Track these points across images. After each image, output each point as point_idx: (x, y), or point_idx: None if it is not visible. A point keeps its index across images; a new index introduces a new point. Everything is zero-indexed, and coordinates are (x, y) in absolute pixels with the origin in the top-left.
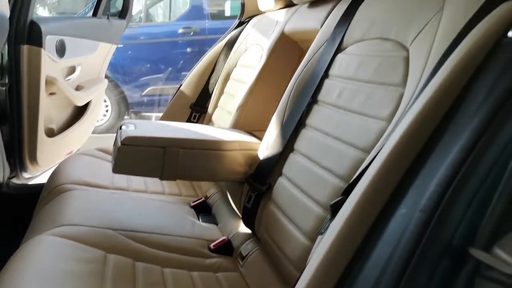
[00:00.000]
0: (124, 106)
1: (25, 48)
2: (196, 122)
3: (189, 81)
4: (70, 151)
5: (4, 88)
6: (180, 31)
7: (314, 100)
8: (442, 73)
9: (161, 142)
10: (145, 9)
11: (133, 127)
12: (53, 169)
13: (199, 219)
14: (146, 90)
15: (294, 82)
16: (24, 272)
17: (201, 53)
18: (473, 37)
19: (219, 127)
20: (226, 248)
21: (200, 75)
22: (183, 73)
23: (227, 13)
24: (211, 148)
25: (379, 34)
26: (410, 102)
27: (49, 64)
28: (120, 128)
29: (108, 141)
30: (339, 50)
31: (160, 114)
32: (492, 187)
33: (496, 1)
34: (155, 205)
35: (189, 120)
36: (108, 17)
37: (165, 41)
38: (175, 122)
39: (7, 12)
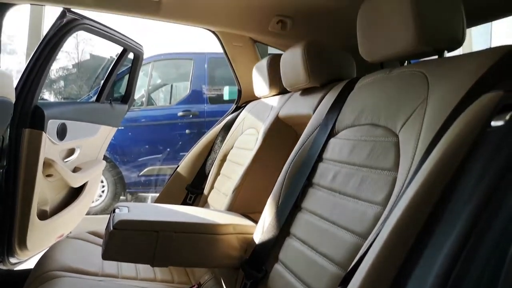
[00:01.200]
0: (121, 187)
1: (26, 131)
2: (192, 204)
3: (186, 163)
4: (61, 234)
5: (1, 170)
6: (180, 114)
7: (309, 183)
8: (431, 160)
9: (155, 226)
10: (147, 93)
11: (127, 210)
12: (41, 253)
13: None
14: (144, 170)
15: (289, 165)
16: None
17: (200, 134)
18: (458, 126)
19: (214, 209)
20: None
21: (197, 157)
22: (181, 153)
23: (226, 97)
24: (205, 231)
25: (370, 121)
26: (404, 186)
27: (49, 147)
28: (114, 212)
29: (102, 223)
30: (331, 134)
31: (157, 195)
32: (494, 276)
33: (476, 92)
34: None
35: (184, 202)
36: (110, 102)
37: (164, 123)
38: (169, 205)
39: (12, 98)
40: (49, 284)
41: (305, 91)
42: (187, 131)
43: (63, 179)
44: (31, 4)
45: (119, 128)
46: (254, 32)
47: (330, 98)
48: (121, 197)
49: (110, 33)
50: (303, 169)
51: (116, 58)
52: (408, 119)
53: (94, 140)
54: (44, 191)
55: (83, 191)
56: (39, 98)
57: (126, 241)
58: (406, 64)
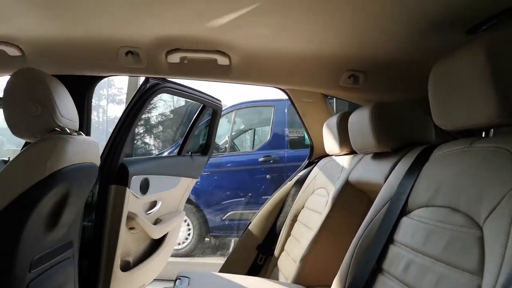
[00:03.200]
0: (205, 230)
1: (113, 188)
2: (262, 265)
3: (257, 221)
4: (143, 284)
5: (90, 224)
6: (261, 159)
7: (378, 267)
8: None
9: None
10: (230, 140)
11: (187, 283)
12: None
13: None
14: (227, 215)
15: (356, 242)
16: None
17: (280, 179)
18: None
19: (279, 283)
20: None
21: (268, 215)
22: (263, 197)
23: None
24: None
25: (447, 203)
26: None
27: (132, 201)
28: (175, 282)
29: (185, 267)
30: (404, 212)
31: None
32: None
33: None
34: None
35: (255, 262)
36: (191, 155)
37: (246, 168)
38: (232, 276)
39: (97, 162)
40: None
41: (377, 155)
42: (268, 176)
43: (144, 231)
44: (115, 75)
45: (204, 173)
46: (324, 88)
47: (402, 167)
48: (206, 239)
49: (190, 92)
50: (372, 250)
51: (196, 113)
52: (494, 209)
53: (174, 191)
54: (127, 243)
55: (163, 242)
56: (124, 155)
57: None
58: (491, 133)
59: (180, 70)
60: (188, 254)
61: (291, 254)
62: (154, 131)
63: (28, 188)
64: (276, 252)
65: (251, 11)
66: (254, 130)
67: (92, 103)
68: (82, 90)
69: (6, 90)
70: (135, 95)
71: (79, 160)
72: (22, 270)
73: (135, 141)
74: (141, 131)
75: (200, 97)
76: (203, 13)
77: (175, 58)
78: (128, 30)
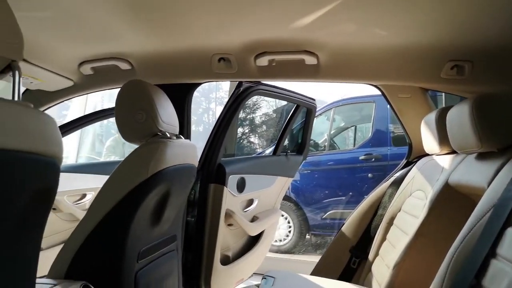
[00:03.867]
0: (306, 228)
1: (212, 186)
2: (356, 269)
3: (350, 222)
4: (241, 278)
5: (193, 219)
6: (362, 157)
7: (477, 283)
8: None
9: None
10: (329, 138)
11: (271, 283)
12: None
13: None
14: (327, 213)
15: (453, 252)
16: None
17: (382, 178)
18: None
19: None
20: None
21: (362, 217)
22: (364, 196)
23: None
24: None
25: None
26: None
27: (229, 199)
28: (262, 280)
29: (285, 264)
30: (509, 222)
31: None
32: None
33: None
34: None
35: (348, 265)
36: (286, 154)
37: (347, 167)
38: (317, 279)
39: (196, 163)
40: None
41: (481, 155)
42: (369, 175)
43: (242, 228)
44: (211, 81)
45: (303, 172)
46: (423, 82)
47: (510, 169)
48: (307, 237)
49: (283, 93)
50: (470, 262)
51: (290, 113)
52: None
53: (270, 190)
54: (227, 239)
55: (260, 238)
56: (222, 155)
57: None
58: None
59: (269, 73)
60: (289, 251)
61: (385, 260)
62: (258, 131)
63: (134, 188)
64: (370, 256)
65: (336, 8)
66: (356, 127)
67: (203, 106)
68: (182, 97)
69: (117, 100)
70: (229, 99)
71: (179, 162)
72: (131, 260)
73: (240, 140)
74: (246, 130)
75: (293, 97)
76: (287, 14)
77: (263, 61)
78: (219, 38)
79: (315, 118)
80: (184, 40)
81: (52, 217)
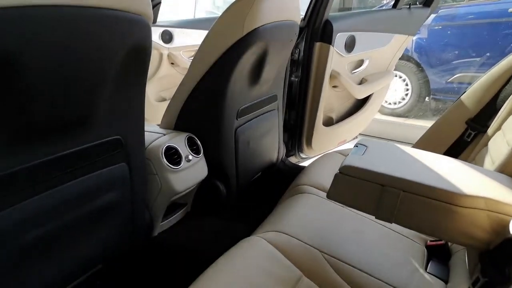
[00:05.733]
0: (426, 91)
1: (317, 45)
2: (469, 143)
3: (473, 91)
4: (343, 139)
5: (297, 79)
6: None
7: None
8: None
9: (381, 179)
10: None
11: (362, 152)
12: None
13: (427, 267)
14: (454, 76)
15: None
16: (220, 274)
17: None
18: None
19: (478, 169)
20: None
21: (491, 84)
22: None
23: None
24: (442, 199)
25: None
26: None
27: (336, 59)
28: (353, 148)
29: (396, 128)
30: None
31: None
32: None
33: None
34: (380, 232)
35: (461, 138)
36: (409, 7)
37: (487, 22)
38: (416, 151)
39: (297, 19)
40: (296, 197)
41: None
42: None
43: (347, 90)
44: None
45: (434, 27)
46: None
47: None
48: (426, 99)
49: None
50: None
51: None
52: None
53: (385, 50)
54: (331, 100)
55: (367, 102)
56: (329, 11)
57: (349, 187)
58: None
59: None
60: (403, 114)
61: (507, 136)
62: None
63: (230, 47)
64: (490, 130)
65: None
66: None
67: None
68: None
69: None
70: None
71: (277, 18)
72: (230, 117)
73: None
74: None
75: None
76: None
77: None
78: None
79: None
80: None
81: (171, 71)
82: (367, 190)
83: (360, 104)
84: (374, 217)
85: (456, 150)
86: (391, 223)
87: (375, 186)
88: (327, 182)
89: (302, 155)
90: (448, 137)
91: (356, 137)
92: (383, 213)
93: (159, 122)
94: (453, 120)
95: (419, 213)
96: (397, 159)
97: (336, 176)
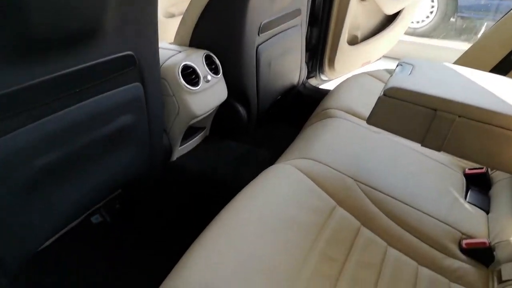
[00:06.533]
0: (452, 9)
1: None
2: None
3: None
4: (368, 60)
5: None
6: None
7: None
8: None
9: (434, 103)
10: None
11: (409, 72)
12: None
13: (466, 195)
14: None
15: None
16: (251, 203)
17: None
18: None
19: None
20: (481, 255)
21: None
22: None
23: None
24: (501, 124)
25: None
26: None
27: None
28: (397, 67)
29: (418, 49)
30: None
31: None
32: None
33: None
34: (416, 160)
35: (507, 57)
36: None
37: None
38: (467, 70)
39: None
40: (324, 122)
41: None
42: None
43: (376, 4)
44: None
45: None
46: None
47: None
48: (451, 19)
49: None
50: None
51: None
52: None
53: None
54: (357, 16)
55: (396, 18)
56: None
57: (395, 111)
58: None
59: None
60: (426, 34)
61: None
62: None
63: None
64: None
65: None
66: None
67: None
68: None
69: None
70: None
71: None
72: (252, 33)
73: None
74: None
75: None
76: None
77: None
78: None
79: None
80: None
81: None
82: (416, 115)
83: (387, 21)
84: (409, 143)
85: (504, 67)
86: (440, 151)
87: (426, 111)
88: (358, 105)
89: (323, 77)
90: (493, 55)
91: (380, 58)
92: (432, 140)
93: (168, 42)
94: (498, 38)
95: (473, 140)
96: (449, 80)
97: (379, 99)
